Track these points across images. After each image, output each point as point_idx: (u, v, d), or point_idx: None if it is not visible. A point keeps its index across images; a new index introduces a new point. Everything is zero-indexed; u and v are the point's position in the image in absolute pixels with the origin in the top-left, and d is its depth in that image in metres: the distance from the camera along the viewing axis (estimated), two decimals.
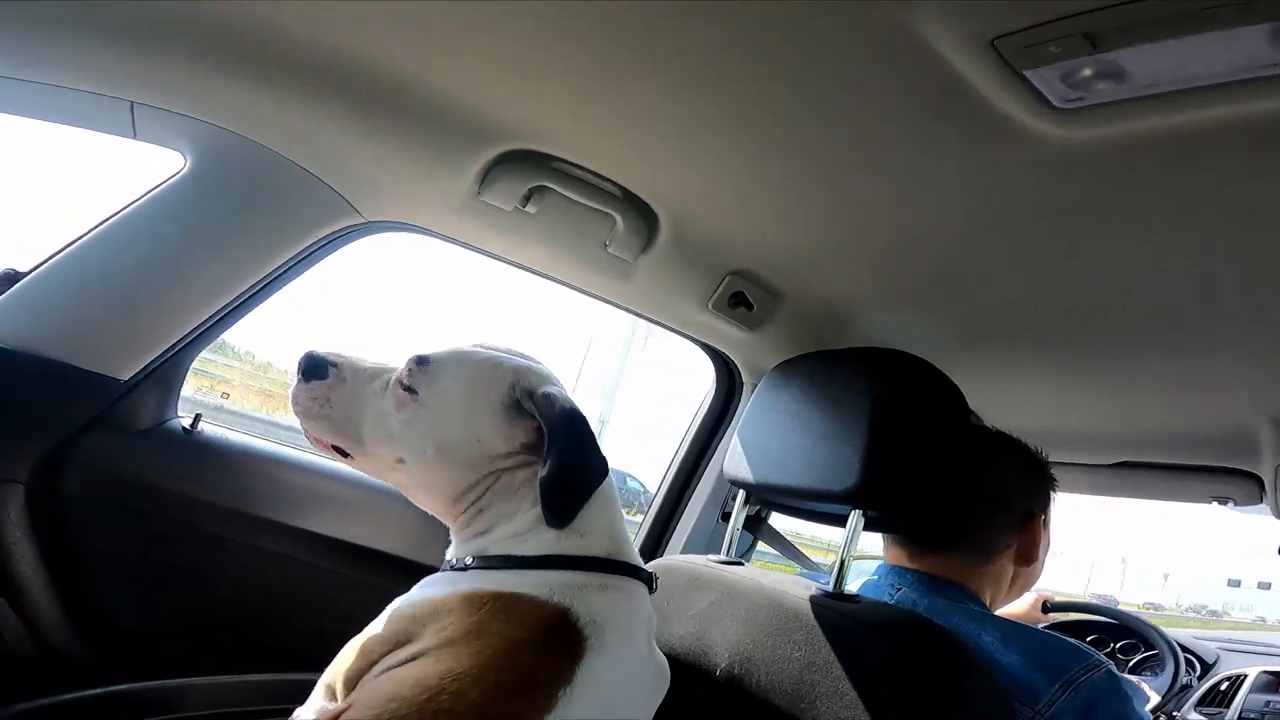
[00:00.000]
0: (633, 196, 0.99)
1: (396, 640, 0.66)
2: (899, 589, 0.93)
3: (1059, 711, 0.75)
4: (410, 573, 0.80)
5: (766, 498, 0.97)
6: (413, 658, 0.63)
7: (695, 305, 1.17)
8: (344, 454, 0.76)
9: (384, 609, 0.71)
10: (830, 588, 0.79)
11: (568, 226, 1.03)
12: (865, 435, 0.75)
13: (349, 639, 0.70)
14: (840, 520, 0.80)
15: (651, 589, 0.75)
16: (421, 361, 0.72)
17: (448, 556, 0.76)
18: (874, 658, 0.68)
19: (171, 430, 1.05)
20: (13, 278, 0.93)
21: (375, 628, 0.69)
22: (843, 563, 0.80)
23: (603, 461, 0.73)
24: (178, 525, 1.02)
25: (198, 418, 1.06)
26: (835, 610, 0.74)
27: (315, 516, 1.10)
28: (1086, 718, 0.75)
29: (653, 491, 1.48)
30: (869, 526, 0.80)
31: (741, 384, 1.40)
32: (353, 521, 1.12)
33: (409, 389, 0.71)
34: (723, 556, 0.99)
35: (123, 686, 0.94)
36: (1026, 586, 1.02)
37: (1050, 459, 1.01)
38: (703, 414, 1.45)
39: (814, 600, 0.76)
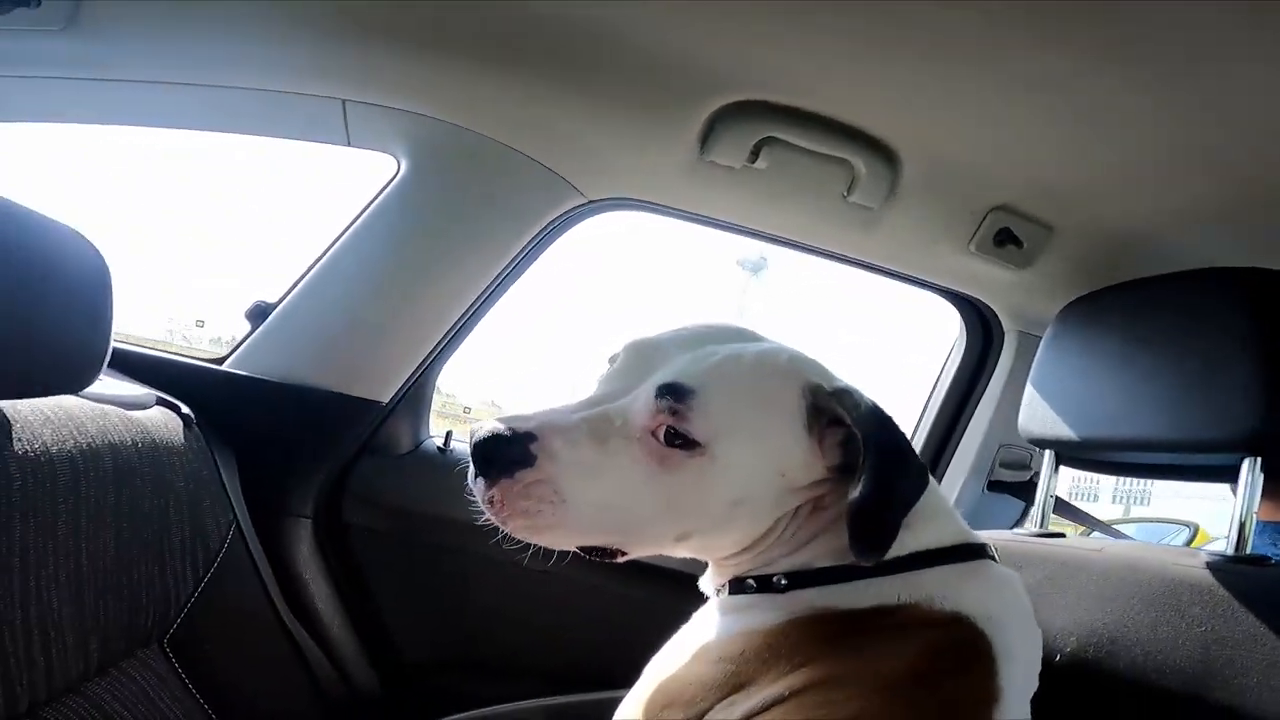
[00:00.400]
0: (871, 139, 0.91)
1: (731, 686, 0.53)
2: None
3: None
4: (677, 583, 0.76)
5: (1092, 456, 0.86)
6: (767, 706, 0.50)
7: (954, 249, 1.07)
8: (604, 554, 0.58)
9: (662, 624, 0.62)
10: (1230, 551, 0.67)
11: (802, 179, 0.96)
12: (1253, 362, 0.62)
13: (623, 656, 0.63)
14: (1216, 475, 0.71)
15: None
16: (680, 394, 0.52)
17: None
18: None
19: (428, 451, 1.07)
20: (264, 310, 0.97)
21: (688, 671, 0.56)
22: (1243, 524, 0.66)
23: (923, 469, 0.58)
24: (448, 550, 1.03)
25: (449, 435, 1.07)
26: (1247, 576, 0.62)
27: None
28: None
29: None
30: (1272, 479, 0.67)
31: (1002, 333, 1.28)
32: None
33: (676, 438, 0.52)
34: (1035, 529, 0.89)
35: None
36: None
37: None
38: (950, 375, 1.33)
39: (1212, 566, 0.64)
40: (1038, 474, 1.31)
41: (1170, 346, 0.71)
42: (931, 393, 1.35)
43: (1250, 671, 0.57)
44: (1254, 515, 0.67)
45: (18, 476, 0.53)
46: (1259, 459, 0.64)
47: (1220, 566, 0.64)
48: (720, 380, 0.53)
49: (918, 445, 1.35)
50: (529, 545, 1.03)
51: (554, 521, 0.52)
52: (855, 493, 0.50)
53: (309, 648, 0.93)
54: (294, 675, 0.91)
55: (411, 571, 1.05)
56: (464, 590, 1.06)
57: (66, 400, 0.63)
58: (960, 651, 0.52)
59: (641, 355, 0.59)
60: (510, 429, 0.51)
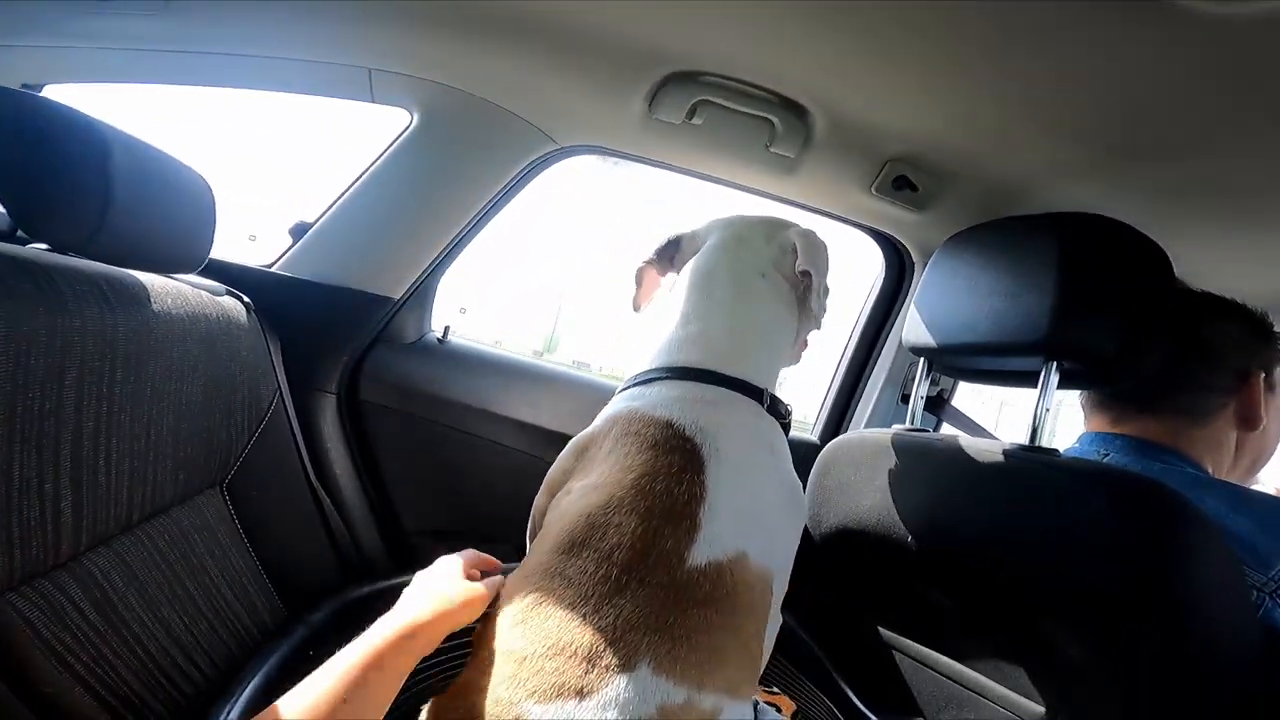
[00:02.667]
0: (787, 100, 1.03)
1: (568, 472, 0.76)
2: (1105, 454, 0.88)
3: None
4: None
5: (951, 362, 0.96)
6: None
7: (858, 191, 1.21)
8: None
9: None
10: (1026, 441, 0.76)
11: (730, 134, 1.11)
12: (1055, 284, 0.72)
13: None
14: (1034, 380, 0.78)
15: (764, 404, 0.79)
16: None
17: None
18: (1082, 511, 0.64)
19: (429, 342, 1.28)
20: (304, 228, 1.21)
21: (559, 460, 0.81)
22: (1036, 415, 0.77)
23: None
24: (440, 426, 1.23)
25: (447, 330, 1.28)
26: (1035, 462, 0.71)
27: (540, 412, 1.27)
28: None
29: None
30: (1065, 383, 0.78)
31: (912, 264, 1.41)
32: (573, 418, 1.21)
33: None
34: (908, 426, 1.01)
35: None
36: (1258, 459, 0.94)
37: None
38: (873, 298, 1.48)
39: (1009, 453, 0.74)
40: (945, 389, 1.49)
41: (1006, 272, 0.80)
42: (858, 315, 1.49)
43: (1022, 550, 0.68)
44: (1047, 410, 0.77)
45: (155, 327, 0.73)
46: (1054, 363, 0.75)
47: (1015, 454, 0.74)
48: None
49: (844, 362, 1.50)
50: (507, 426, 1.24)
51: None
52: None
53: (329, 509, 1.09)
54: (316, 532, 1.06)
55: (410, 445, 1.22)
56: (451, 464, 1.23)
57: (177, 281, 0.83)
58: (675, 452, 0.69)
59: None
60: None
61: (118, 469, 0.69)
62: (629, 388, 0.82)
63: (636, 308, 0.94)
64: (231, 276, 1.03)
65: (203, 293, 0.88)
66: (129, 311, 0.70)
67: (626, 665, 0.55)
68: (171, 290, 0.80)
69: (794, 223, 0.91)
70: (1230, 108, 0.80)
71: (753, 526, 0.68)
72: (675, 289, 0.88)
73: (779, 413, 0.82)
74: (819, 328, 0.92)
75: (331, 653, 0.56)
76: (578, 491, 0.71)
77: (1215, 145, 0.88)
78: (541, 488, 0.81)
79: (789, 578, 0.75)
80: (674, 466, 0.68)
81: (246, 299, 1.00)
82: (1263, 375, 0.89)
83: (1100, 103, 0.87)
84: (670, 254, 0.93)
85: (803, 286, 0.86)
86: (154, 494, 0.75)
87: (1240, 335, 0.90)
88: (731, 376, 0.79)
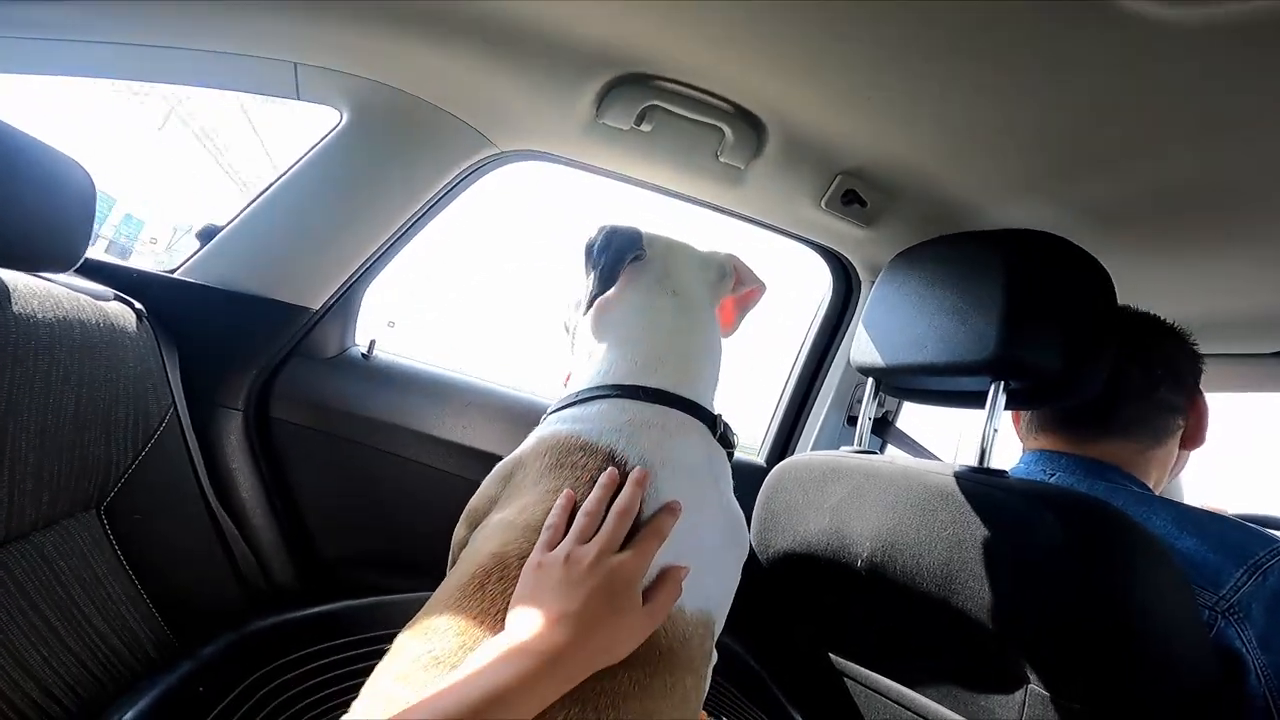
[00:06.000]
0: (740, 109, 1.01)
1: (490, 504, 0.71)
2: (1052, 474, 0.88)
3: (1245, 598, 0.68)
4: None
5: (898, 382, 0.94)
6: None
7: (808, 205, 1.19)
8: None
9: None
10: (975, 463, 0.75)
11: (680, 141, 1.08)
12: (1001, 302, 0.72)
13: None
14: (981, 401, 0.77)
15: (715, 431, 0.76)
16: None
17: None
18: (1034, 533, 0.63)
19: (352, 357, 1.19)
20: (213, 231, 1.11)
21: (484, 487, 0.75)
22: (984, 436, 0.75)
23: None
24: (362, 446, 1.14)
25: (372, 344, 1.19)
26: (984, 484, 0.70)
27: (473, 432, 1.20)
28: (1278, 606, 0.67)
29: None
30: (1012, 403, 0.77)
31: (859, 283, 1.40)
32: (507, 438, 1.19)
33: None
34: (855, 447, 1.00)
35: (329, 606, 1.03)
36: (1176, 472, 0.96)
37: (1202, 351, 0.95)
38: (820, 317, 1.47)
39: (959, 475, 0.73)
40: (890, 411, 1.49)
41: (954, 290, 0.79)
42: (806, 334, 1.48)
43: (973, 574, 0.66)
44: (996, 431, 0.76)
45: (14, 330, 0.65)
46: (1001, 383, 0.75)
47: (965, 476, 0.73)
48: None
49: (791, 383, 1.48)
50: (437, 448, 1.16)
51: None
52: None
53: (231, 534, 1.00)
54: (216, 558, 0.98)
55: (329, 467, 1.14)
56: (375, 487, 1.15)
57: (48, 282, 0.75)
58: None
59: None
60: None
61: None
62: (566, 407, 0.75)
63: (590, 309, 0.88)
64: (125, 281, 0.94)
65: (81, 296, 0.79)
66: None
67: None
68: (39, 291, 0.71)
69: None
70: (1165, 119, 0.81)
71: (690, 574, 0.63)
72: (623, 301, 0.83)
73: (728, 442, 0.78)
74: (727, 336, 0.94)
75: (226, 688, 0.47)
76: (494, 526, 0.64)
77: (1150, 160, 0.90)
78: (462, 517, 0.74)
79: (729, 610, 0.71)
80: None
81: (138, 306, 0.91)
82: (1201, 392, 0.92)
83: (1045, 118, 0.87)
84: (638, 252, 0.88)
85: (732, 300, 0.89)
86: (9, 517, 0.66)
87: (1185, 352, 0.92)
88: (686, 399, 0.74)
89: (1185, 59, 0.71)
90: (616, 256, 0.83)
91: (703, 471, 0.71)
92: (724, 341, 0.90)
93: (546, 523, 0.60)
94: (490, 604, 0.55)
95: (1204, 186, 0.94)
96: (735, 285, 0.93)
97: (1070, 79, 0.78)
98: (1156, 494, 0.87)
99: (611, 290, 0.84)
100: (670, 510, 0.63)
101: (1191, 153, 0.87)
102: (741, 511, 0.77)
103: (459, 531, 0.73)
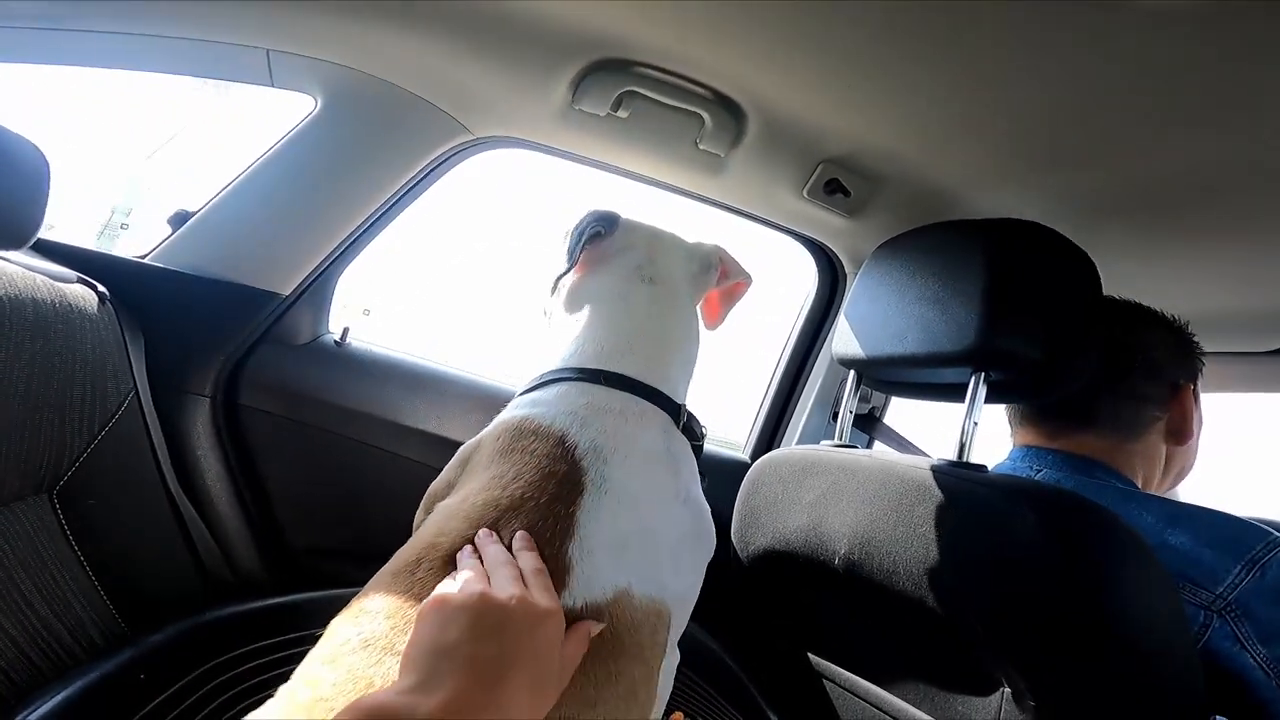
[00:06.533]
0: (719, 95, 0.99)
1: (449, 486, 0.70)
2: (1038, 470, 0.87)
3: (1244, 595, 0.66)
4: None
5: (880, 375, 0.93)
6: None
7: (790, 194, 1.17)
8: None
9: None
10: (954, 457, 0.74)
11: (658, 128, 1.06)
12: (981, 292, 0.70)
13: None
14: (962, 394, 0.75)
15: (679, 421, 0.74)
16: None
17: None
18: (1012, 530, 0.61)
19: (325, 344, 1.17)
20: (184, 216, 1.09)
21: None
22: (964, 430, 0.74)
23: None
24: (334, 436, 1.13)
25: (345, 331, 1.17)
26: (963, 480, 0.68)
27: (448, 422, 1.18)
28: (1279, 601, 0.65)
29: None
30: (994, 396, 0.76)
31: (844, 274, 1.38)
32: (482, 428, 1.17)
33: None
34: (836, 441, 0.98)
35: (291, 597, 1.01)
36: (1182, 472, 0.93)
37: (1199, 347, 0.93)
38: (806, 310, 1.44)
39: (936, 470, 0.71)
40: (876, 406, 1.46)
41: (935, 279, 0.78)
42: (792, 327, 1.45)
43: (950, 572, 0.64)
44: (975, 425, 0.75)
45: None
46: (982, 374, 0.73)
47: (943, 470, 0.71)
48: None
49: (776, 377, 1.45)
50: (412, 438, 1.14)
51: None
52: None
53: (194, 522, 0.99)
54: (176, 547, 0.96)
55: (299, 456, 1.12)
56: (347, 477, 1.13)
57: (2, 261, 0.73)
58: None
59: None
60: None
61: None
62: (528, 391, 0.74)
63: (558, 289, 0.87)
64: (91, 265, 0.93)
65: (37, 276, 0.77)
66: None
67: None
68: None
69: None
70: (1154, 108, 0.79)
71: (636, 559, 0.61)
72: (598, 284, 0.82)
73: (694, 433, 0.77)
74: (712, 329, 0.94)
75: (169, 679, 0.44)
76: (439, 510, 0.63)
77: (1139, 149, 0.88)
78: (422, 501, 0.72)
79: (691, 608, 0.69)
80: (544, 496, 0.60)
81: (102, 288, 0.89)
82: (1191, 387, 0.89)
83: (1029, 106, 0.85)
84: (609, 233, 0.87)
85: (718, 294, 0.89)
86: None
87: (1171, 346, 0.89)
88: (649, 386, 0.73)
89: (1172, 46, 0.69)
90: (577, 236, 0.82)
91: (660, 460, 0.69)
92: (706, 334, 0.89)
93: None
94: (421, 589, 0.53)
95: (1193, 178, 0.92)
96: (721, 278, 0.92)
97: (1056, 66, 0.76)
98: (1147, 490, 0.85)
99: (587, 273, 0.83)
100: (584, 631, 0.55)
101: (1180, 143, 0.85)
102: (708, 507, 0.75)
103: (418, 515, 0.72)
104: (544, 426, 0.66)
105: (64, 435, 0.79)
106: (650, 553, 0.62)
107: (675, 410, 0.75)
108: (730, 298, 0.96)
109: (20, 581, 0.72)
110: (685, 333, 0.82)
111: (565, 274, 0.83)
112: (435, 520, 0.61)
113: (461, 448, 0.73)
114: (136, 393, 0.91)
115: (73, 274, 0.86)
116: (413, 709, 0.39)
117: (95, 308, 0.87)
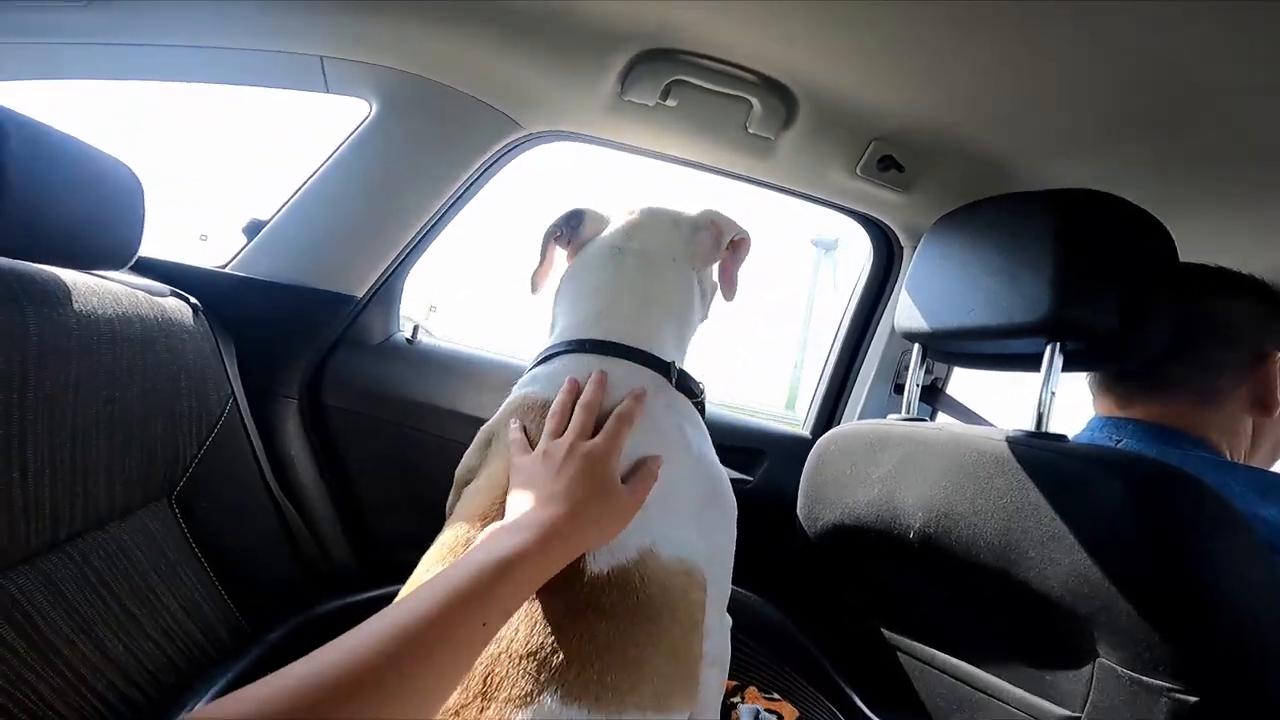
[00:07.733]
0: (767, 79, 0.99)
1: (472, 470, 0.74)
2: (1119, 440, 0.84)
3: None
4: None
5: (947, 346, 0.93)
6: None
7: (842, 173, 1.16)
8: None
9: None
10: (1031, 428, 0.73)
11: (706, 115, 1.07)
12: (1053, 262, 0.70)
13: None
14: (1035, 363, 0.74)
15: (670, 379, 0.76)
16: None
17: None
18: (1098, 500, 0.60)
19: (397, 343, 1.21)
20: (258, 225, 1.14)
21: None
22: (1041, 400, 0.73)
23: None
24: (411, 430, 1.17)
25: (416, 329, 1.21)
26: (1042, 449, 0.68)
27: None
28: None
29: None
30: (1069, 365, 0.75)
31: (901, 249, 1.37)
32: None
33: None
34: (904, 415, 0.97)
35: (390, 589, 1.03)
36: (1279, 445, 0.89)
37: None
38: (861, 286, 1.43)
39: (1014, 441, 0.71)
40: (939, 377, 1.45)
41: (1001, 252, 0.77)
42: (847, 303, 1.44)
43: (1035, 544, 0.64)
44: (1053, 394, 0.74)
45: (75, 327, 0.67)
46: (1057, 344, 0.72)
47: (1021, 441, 0.71)
48: None
49: (834, 353, 1.45)
50: (472, 429, 1.17)
51: None
52: None
53: (293, 518, 1.03)
54: (279, 542, 1.01)
55: (380, 451, 1.16)
56: (423, 470, 1.16)
57: (106, 281, 0.77)
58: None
59: None
60: None
61: (36, 482, 0.62)
62: (532, 368, 0.79)
63: (536, 286, 0.90)
64: (178, 278, 0.97)
65: (138, 293, 0.81)
66: (42, 310, 0.63)
67: (528, 698, 0.49)
68: (97, 289, 0.73)
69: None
70: (1231, 74, 0.76)
71: (658, 517, 0.63)
72: (577, 266, 0.86)
73: (689, 390, 0.78)
74: (730, 299, 0.92)
75: None
76: (467, 494, 0.67)
77: (1216, 113, 0.84)
78: (452, 487, 0.76)
79: (729, 571, 0.72)
80: None
81: (194, 300, 0.94)
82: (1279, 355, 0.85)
83: (1093, 72, 0.83)
84: (574, 227, 0.90)
85: (725, 259, 0.89)
86: (84, 509, 0.68)
87: (1256, 312, 0.85)
88: (635, 348, 0.75)
89: (1236, 14, 0.66)
90: (545, 236, 0.89)
91: (657, 415, 0.72)
92: (717, 299, 0.92)
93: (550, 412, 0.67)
94: None
95: (1269, 142, 0.87)
96: (717, 238, 0.90)
97: (1116, 33, 0.74)
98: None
99: (571, 264, 0.88)
100: (634, 396, 0.69)
101: (1250, 111, 0.81)
102: (723, 470, 0.76)
103: (450, 498, 0.76)
104: (545, 399, 0.71)
105: (177, 442, 0.83)
106: (669, 512, 0.64)
107: (665, 368, 0.76)
108: (735, 259, 0.93)
109: (155, 587, 0.76)
110: (672, 294, 0.83)
111: (537, 269, 0.89)
112: (463, 507, 0.66)
113: (479, 432, 0.77)
114: (234, 398, 0.96)
115: (165, 288, 0.90)
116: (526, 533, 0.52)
117: (191, 319, 0.91)
